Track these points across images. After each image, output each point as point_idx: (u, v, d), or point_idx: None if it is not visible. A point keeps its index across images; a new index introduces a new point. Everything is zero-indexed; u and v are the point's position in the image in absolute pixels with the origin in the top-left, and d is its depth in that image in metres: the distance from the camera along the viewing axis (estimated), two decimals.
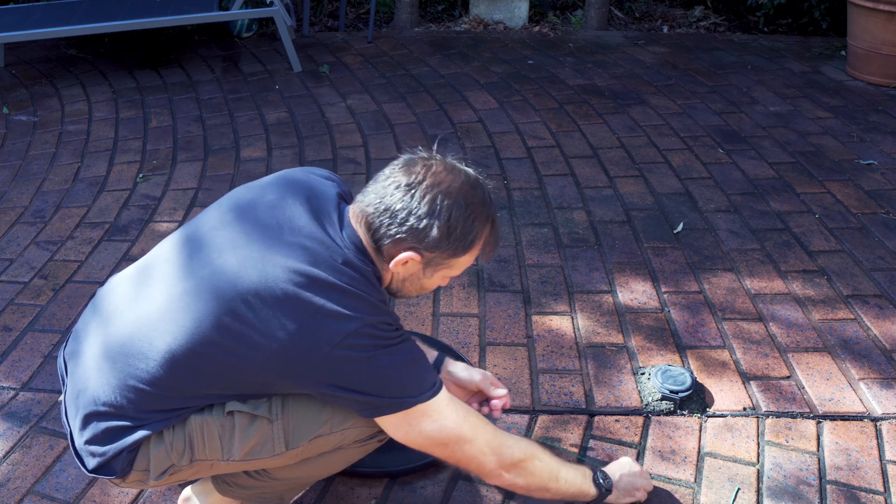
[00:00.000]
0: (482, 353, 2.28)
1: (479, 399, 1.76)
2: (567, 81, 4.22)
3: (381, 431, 1.49)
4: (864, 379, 2.17)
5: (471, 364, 2.19)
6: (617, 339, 2.33)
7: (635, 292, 2.53)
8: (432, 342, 2.26)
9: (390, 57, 4.60)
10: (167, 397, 1.40)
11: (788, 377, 2.18)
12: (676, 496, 1.83)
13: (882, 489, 1.85)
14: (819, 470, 1.90)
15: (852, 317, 2.42)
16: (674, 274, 2.63)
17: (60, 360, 1.54)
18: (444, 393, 1.43)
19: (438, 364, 1.78)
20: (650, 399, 2.10)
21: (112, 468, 1.42)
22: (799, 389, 2.14)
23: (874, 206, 3.03)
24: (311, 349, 1.32)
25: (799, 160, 3.38)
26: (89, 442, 1.42)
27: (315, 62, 4.52)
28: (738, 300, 2.49)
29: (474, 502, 1.81)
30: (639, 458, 1.94)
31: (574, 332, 2.36)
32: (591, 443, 1.97)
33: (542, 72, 4.35)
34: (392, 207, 1.37)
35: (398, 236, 1.38)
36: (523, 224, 2.91)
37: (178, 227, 2.94)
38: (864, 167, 3.32)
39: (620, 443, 1.98)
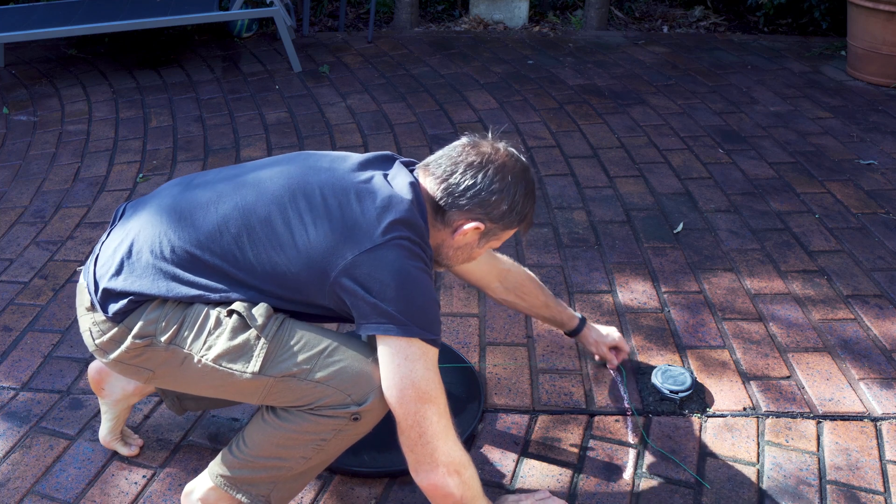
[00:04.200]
0: (482, 352, 2.28)
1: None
2: (567, 81, 4.22)
3: (356, 403, 1.47)
4: (864, 379, 2.17)
5: (471, 364, 2.20)
6: None
7: (635, 292, 2.53)
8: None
9: (390, 57, 4.60)
10: (204, 264, 1.49)
11: (788, 377, 2.18)
12: (676, 496, 1.83)
13: (882, 489, 1.85)
14: (819, 470, 1.90)
15: (852, 317, 2.42)
16: (674, 274, 2.63)
17: (120, 209, 1.68)
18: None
19: (583, 324, 2.13)
20: (650, 399, 2.09)
21: (107, 305, 1.52)
22: (799, 389, 2.14)
23: (874, 206, 3.03)
24: (361, 234, 1.45)
25: (799, 160, 3.38)
26: (112, 271, 1.53)
27: (315, 62, 4.52)
28: (738, 300, 2.49)
29: None
30: (639, 458, 1.94)
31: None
32: (591, 443, 1.97)
33: (542, 72, 4.35)
34: (465, 181, 1.53)
35: (468, 207, 1.54)
36: None
37: None
38: (864, 167, 3.32)
39: (620, 443, 1.97)
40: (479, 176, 1.54)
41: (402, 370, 1.45)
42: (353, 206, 1.48)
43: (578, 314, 2.14)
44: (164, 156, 3.49)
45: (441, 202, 1.55)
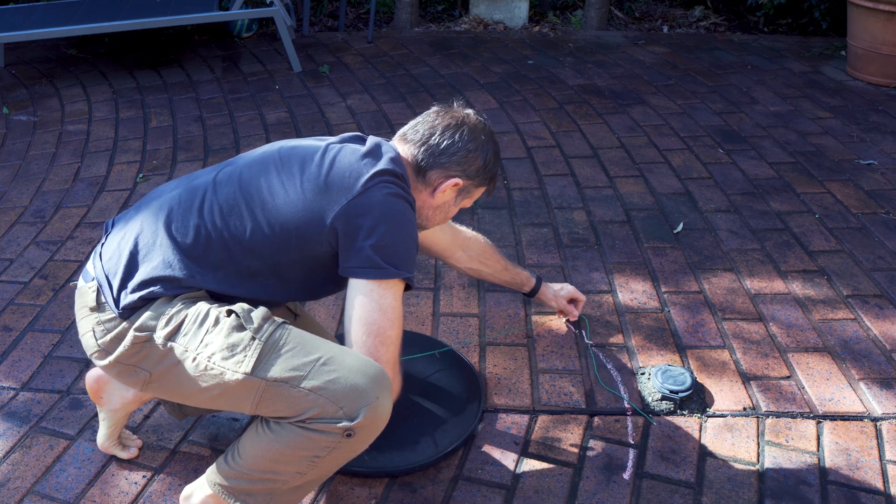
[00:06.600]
0: (482, 352, 2.28)
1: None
2: (567, 81, 4.22)
3: (348, 418, 1.45)
4: (864, 379, 2.17)
5: (472, 365, 2.20)
6: (617, 339, 2.33)
7: (635, 292, 2.53)
8: (433, 342, 2.26)
9: (390, 57, 4.60)
10: (210, 243, 1.57)
11: (788, 377, 2.18)
12: (676, 496, 1.83)
13: (882, 489, 1.85)
14: (819, 470, 1.90)
15: (852, 317, 2.42)
16: (674, 274, 2.63)
17: (109, 222, 1.73)
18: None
19: (539, 283, 2.27)
20: (650, 399, 2.09)
21: (118, 300, 1.57)
22: (799, 389, 2.14)
23: (874, 206, 3.03)
24: (351, 182, 1.56)
25: (799, 160, 3.38)
26: (133, 275, 1.58)
27: (315, 62, 4.52)
28: (738, 300, 2.49)
29: (474, 502, 1.81)
30: (639, 458, 1.94)
31: (574, 332, 2.36)
32: (591, 443, 1.97)
33: (542, 72, 4.35)
34: (444, 141, 1.67)
35: (447, 164, 1.67)
36: (523, 224, 2.91)
37: None
38: (864, 167, 3.32)
39: (620, 443, 1.98)
40: (457, 136, 1.67)
41: (373, 297, 1.54)
42: (340, 161, 1.60)
43: (534, 275, 2.28)
44: (164, 156, 3.49)
45: (422, 163, 1.67)
